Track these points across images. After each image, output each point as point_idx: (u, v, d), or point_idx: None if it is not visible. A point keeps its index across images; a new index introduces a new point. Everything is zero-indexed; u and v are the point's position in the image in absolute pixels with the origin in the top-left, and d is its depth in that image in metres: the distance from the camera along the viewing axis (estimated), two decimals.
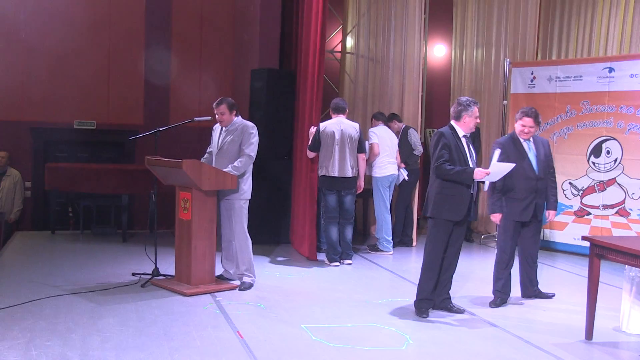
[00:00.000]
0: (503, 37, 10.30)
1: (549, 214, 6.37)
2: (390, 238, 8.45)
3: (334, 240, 7.65)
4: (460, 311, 5.79)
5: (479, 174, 5.45)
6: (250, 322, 5.35)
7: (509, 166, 5.71)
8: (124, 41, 10.20)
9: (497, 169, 5.63)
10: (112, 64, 10.16)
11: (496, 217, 6.19)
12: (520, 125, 6.15)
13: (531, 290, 6.42)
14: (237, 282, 6.50)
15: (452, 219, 5.57)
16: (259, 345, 4.78)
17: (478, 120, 5.68)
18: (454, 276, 5.87)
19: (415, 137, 8.92)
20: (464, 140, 5.64)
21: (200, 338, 4.91)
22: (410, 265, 7.88)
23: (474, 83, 10.74)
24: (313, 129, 7.62)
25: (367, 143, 8.38)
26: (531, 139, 6.20)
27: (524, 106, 6.59)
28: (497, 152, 5.85)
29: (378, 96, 10.10)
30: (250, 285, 6.44)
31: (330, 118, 7.78)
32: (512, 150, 6.11)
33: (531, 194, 6.09)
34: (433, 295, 5.72)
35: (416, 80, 9.79)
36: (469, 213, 5.66)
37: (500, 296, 6.17)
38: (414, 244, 9.00)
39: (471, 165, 5.59)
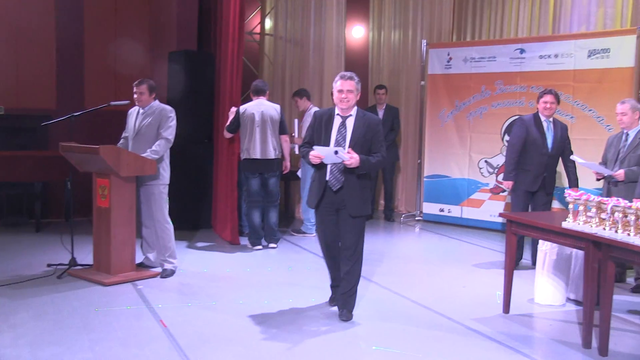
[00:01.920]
0: (419, 19, 10.44)
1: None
2: (314, 220, 8.47)
3: (257, 224, 7.61)
4: (343, 320, 5.12)
5: (311, 157, 4.96)
6: (174, 310, 5.26)
7: (337, 149, 4.88)
8: (33, 21, 9.74)
9: (328, 152, 4.90)
10: (20, 45, 9.71)
11: (507, 184, 6.94)
12: (542, 102, 6.72)
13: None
14: (159, 270, 6.38)
15: (310, 206, 5.33)
16: (184, 333, 4.71)
17: (342, 95, 4.96)
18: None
19: None
20: (337, 120, 5.07)
21: (122, 329, 4.79)
22: None
23: (392, 64, 10.86)
24: (234, 110, 7.54)
25: (304, 126, 8.38)
26: (551, 120, 6.77)
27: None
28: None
29: (297, 78, 10.06)
30: (172, 272, 6.34)
31: (250, 100, 7.70)
32: (534, 126, 6.75)
33: (541, 168, 6.71)
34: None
35: (335, 62, 9.83)
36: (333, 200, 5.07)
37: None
38: None
39: (343, 147, 5.00)
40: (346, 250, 5.14)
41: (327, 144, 5.05)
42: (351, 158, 4.86)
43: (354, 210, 5.05)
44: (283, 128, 7.65)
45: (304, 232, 8.44)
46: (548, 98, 6.69)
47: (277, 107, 7.69)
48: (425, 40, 9.88)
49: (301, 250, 7.69)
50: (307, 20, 10.01)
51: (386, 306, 5.55)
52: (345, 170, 4.98)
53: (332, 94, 5.61)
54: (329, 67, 9.82)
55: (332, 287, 5.48)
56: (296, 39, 10.12)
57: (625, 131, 5.98)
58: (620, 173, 5.83)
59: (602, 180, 6.25)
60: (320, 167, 5.09)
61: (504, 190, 8.85)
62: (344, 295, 5.17)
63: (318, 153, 4.93)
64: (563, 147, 6.80)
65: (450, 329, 5.00)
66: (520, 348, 4.60)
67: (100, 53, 9.85)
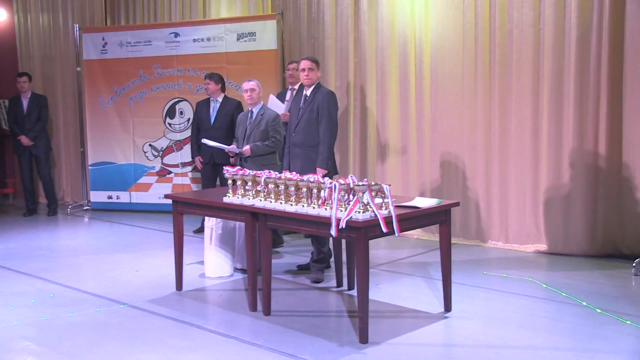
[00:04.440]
0: (70, 2, 10.06)
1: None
2: None
3: None
4: None
5: None
6: None
7: None
8: None
9: None
10: None
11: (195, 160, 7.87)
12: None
13: None
14: None
15: None
16: None
17: None
18: None
19: None
20: None
21: None
22: None
23: (43, 50, 10.32)
24: None
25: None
26: (219, 99, 7.65)
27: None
28: None
29: None
30: None
31: None
32: (203, 107, 7.78)
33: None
34: None
35: None
36: None
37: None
38: None
39: None
40: None
41: None
42: None
43: None
44: None
45: None
46: (206, 80, 7.64)
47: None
48: (77, 25, 9.55)
49: None
50: None
51: (59, 301, 5.34)
52: None
53: None
54: None
55: None
56: None
57: (250, 109, 6.42)
58: (246, 149, 6.24)
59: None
60: None
61: (170, 173, 9.05)
62: None
63: None
64: (229, 122, 7.44)
65: (126, 315, 5.02)
66: (194, 322, 4.82)
67: None
